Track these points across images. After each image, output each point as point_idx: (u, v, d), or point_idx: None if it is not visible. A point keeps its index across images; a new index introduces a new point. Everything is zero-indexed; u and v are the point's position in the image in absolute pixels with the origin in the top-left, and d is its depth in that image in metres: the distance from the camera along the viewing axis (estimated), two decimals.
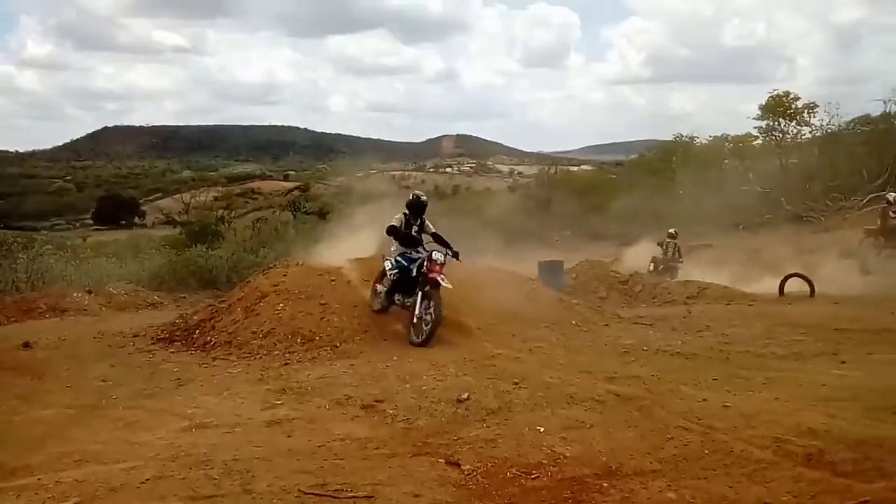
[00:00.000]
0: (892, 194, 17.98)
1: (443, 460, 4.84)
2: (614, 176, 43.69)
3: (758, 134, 34.82)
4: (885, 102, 30.25)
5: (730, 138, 36.03)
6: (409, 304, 8.60)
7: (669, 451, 4.83)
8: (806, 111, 33.19)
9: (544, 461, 4.75)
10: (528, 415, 5.64)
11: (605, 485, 4.36)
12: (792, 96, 33.57)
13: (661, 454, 4.79)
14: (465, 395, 6.02)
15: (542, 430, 5.28)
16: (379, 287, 9.09)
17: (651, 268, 17.25)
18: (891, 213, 17.33)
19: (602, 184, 39.78)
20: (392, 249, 9.04)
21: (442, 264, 8.51)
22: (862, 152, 28.66)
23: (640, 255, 18.57)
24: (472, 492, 4.35)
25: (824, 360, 7.18)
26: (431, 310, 8.18)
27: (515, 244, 22.40)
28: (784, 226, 25.46)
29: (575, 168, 57.06)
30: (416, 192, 9.31)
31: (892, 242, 16.90)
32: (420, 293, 8.40)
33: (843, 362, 7.01)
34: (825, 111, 32.20)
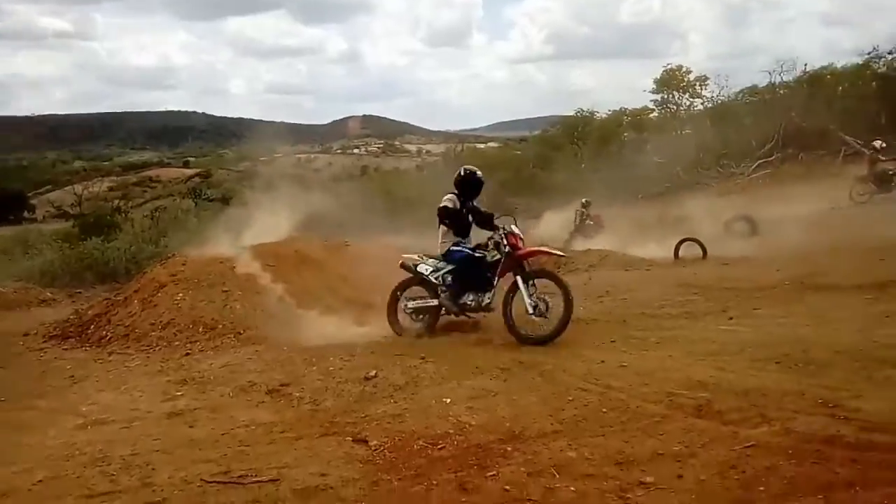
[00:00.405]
0: (879, 141, 19.13)
1: (350, 438, 4.84)
2: (519, 152, 44.29)
3: (654, 107, 36.33)
4: (770, 73, 32.04)
5: (628, 112, 37.23)
6: (487, 304, 7.21)
7: (570, 412, 4.99)
8: (698, 84, 34.82)
9: (450, 431, 4.82)
10: (434, 388, 5.71)
11: (509, 449, 4.47)
12: (685, 70, 35.13)
13: (562, 415, 4.95)
14: (372, 373, 6.02)
15: (448, 401, 5.36)
16: (411, 304, 7.59)
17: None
18: (880, 158, 18.56)
19: (508, 160, 40.29)
20: (441, 243, 7.50)
21: (521, 238, 7.17)
22: (750, 121, 30.12)
23: (549, 227, 18.98)
24: (378, 467, 4.37)
25: (714, 317, 7.53)
26: (540, 295, 6.87)
27: (425, 222, 22.41)
28: (680, 194, 26.47)
29: (482, 146, 57.53)
30: (469, 167, 7.73)
31: (883, 187, 18.05)
32: (519, 278, 6.92)
33: (731, 318, 7.38)
34: (715, 83, 33.95)
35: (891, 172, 18.11)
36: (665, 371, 5.65)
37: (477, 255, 7.27)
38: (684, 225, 15.32)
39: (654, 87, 35.43)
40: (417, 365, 6.22)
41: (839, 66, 32.02)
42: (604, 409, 4.99)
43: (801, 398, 4.82)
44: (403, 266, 7.75)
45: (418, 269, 7.58)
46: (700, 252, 12.83)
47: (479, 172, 7.54)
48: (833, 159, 26.93)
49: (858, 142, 27.32)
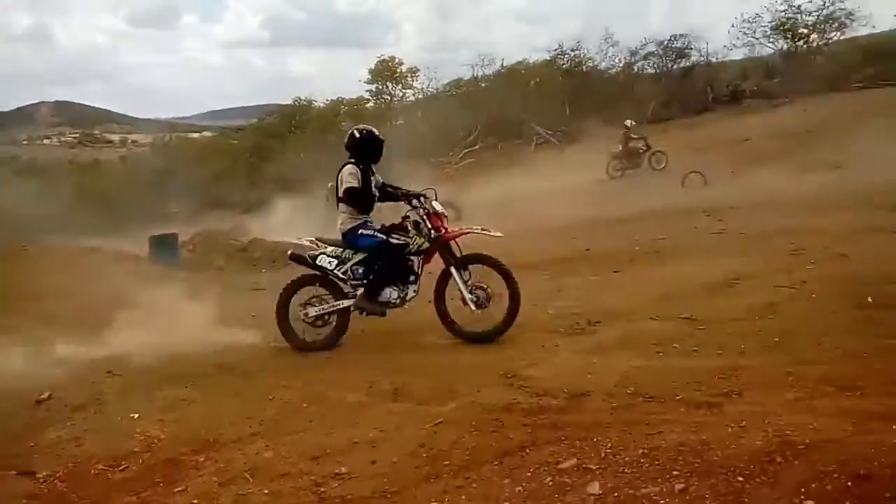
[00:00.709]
0: (630, 121, 21.19)
1: (14, 472, 4.24)
2: (236, 141, 42.77)
3: (370, 97, 37.21)
4: (473, 67, 34.56)
5: (345, 101, 37.66)
6: (413, 297, 6.22)
7: (270, 412, 4.88)
8: (409, 75, 36.35)
9: (137, 449, 4.47)
10: (121, 403, 5.23)
11: (202, 458, 4.25)
12: (397, 61, 36.45)
13: (261, 416, 4.82)
14: (45, 395, 5.32)
15: (136, 416, 4.94)
16: (312, 311, 6.27)
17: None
18: (632, 136, 20.60)
19: (224, 150, 38.63)
20: (341, 223, 6.17)
21: (446, 216, 6.21)
22: (457, 113, 32.15)
23: (288, 213, 18.45)
24: (45, 500, 3.87)
25: (419, 301, 7.80)
26: (479, 283, 6.01)
27: (129, 220, 20.80)
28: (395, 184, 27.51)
29: (195, 135, 54.46)
30: (364, 126, 6.32)
31: (632, 162, 20.38)
32: (453, 267, 6.01)
33: (429, 301, 7.61)
34: (425, 75, 35.73)
35: (641, 150, 20.61)
36: (366, 359, 5.75)
37: (394, 241, 6.09)
38: (396, 213, 15.83)
39: (370, 77, 36.36)
40: (101, 380, 5.64)
41: (531, 61, 35.55)
42: (304, 405, 4.95)
43: (486, 372, 5.17)
44: (295, 258, 6.39)
45: (318, 262, 6.17)
46: None
47: (376, 131, 6.26)
48: (527, 147, 29.87)
49: (548, 132, 30.62)
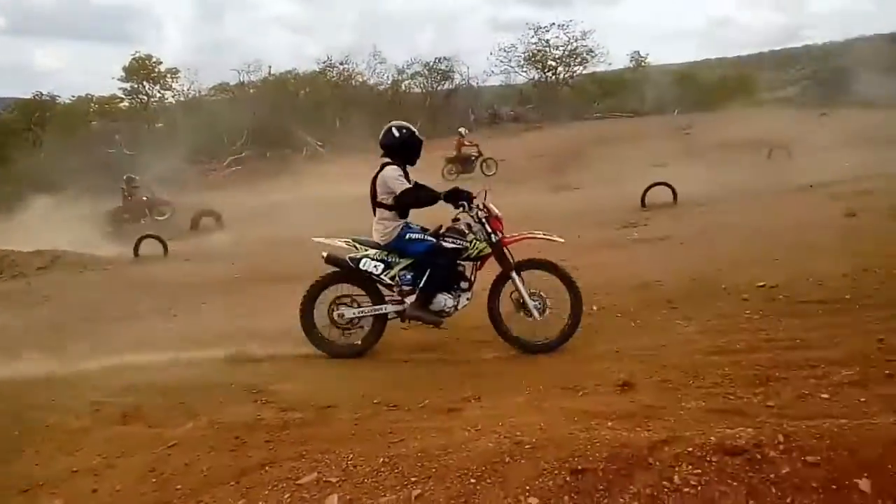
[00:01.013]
0: (463, 129, 22.26)
1: None
2: None
3: (123, 96, 34.50)
4: (239, 72, 33.43)
5: (95, 98, 34.56)
6: (463, 307, 5.60)
7: None
8: (169, 76, 34.25)
9: None
10: None
11: None
12: (155, 60, 34.17)
13: None
14: None
15: None
16: (347, 312, 5.62)
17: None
18: (465, 143, 21.36)
19: None
20: (384, 229, 5.57)
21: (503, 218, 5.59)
22: (222, 118, 30.85)
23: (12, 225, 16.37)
24: None
25: (160, 315, 7.34)
26: (535, 291, 5.47)
27: None
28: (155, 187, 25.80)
29: None
30: (402, 123, 5.67)
31: (466, 168, 21.11)
32: (514, 272, 5.47)
33: (175, 315, 7.30)
34: (186, 77, 33.88)
35: (473, 157, 21.49)
36: (94, 380, 5.26)
37: (448, 244, 5.51)
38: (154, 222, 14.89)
39: (124, 75, 33.73)
40: None
41: (301, 71, 35.20)
42: (16, 432, 4.41)
43: (230, 389, 4.94)
44: (332, 261, 5.65)
45: (362, 266, 5.55)
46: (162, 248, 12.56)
47: (415, 129, 5.71)
48: (297, 157, 29.46)
49: (318, 143, 30.47)
